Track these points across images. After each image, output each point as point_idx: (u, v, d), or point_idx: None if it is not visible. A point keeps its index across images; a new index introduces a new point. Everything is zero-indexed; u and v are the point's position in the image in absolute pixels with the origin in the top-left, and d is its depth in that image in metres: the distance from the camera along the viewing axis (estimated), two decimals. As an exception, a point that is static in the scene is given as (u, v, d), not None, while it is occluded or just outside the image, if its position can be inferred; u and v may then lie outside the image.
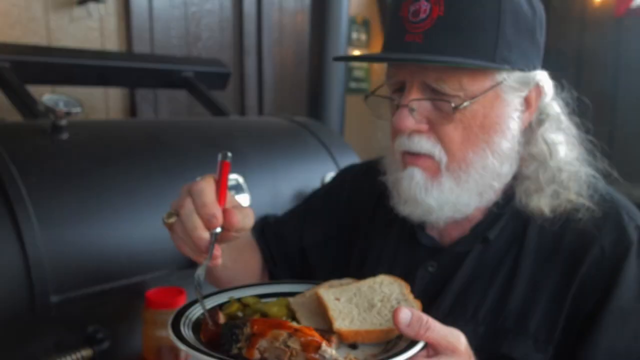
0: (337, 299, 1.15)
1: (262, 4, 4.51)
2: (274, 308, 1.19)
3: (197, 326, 1.12)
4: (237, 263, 1.54)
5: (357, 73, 5.56)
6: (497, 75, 1.24)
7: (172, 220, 1.15)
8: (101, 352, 1.65)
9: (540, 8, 1.30)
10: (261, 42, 4.55)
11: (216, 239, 1.11)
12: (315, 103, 3.18)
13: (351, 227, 1.63)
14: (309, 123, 2.70)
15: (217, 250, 1.12)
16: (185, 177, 1.97)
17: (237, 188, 2.08)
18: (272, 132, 2.50)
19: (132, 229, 1.78)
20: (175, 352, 1.72)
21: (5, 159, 1.64)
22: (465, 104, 1.22)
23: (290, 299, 1.23)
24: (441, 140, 1.26)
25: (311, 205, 1.77)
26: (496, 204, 1.35)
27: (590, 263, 1.23)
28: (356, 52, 5.51)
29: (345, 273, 1.46)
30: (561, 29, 6.20)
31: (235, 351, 1.00)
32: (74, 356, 1.59)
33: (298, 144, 2.47)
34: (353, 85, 5.49)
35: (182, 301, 1.65)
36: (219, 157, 1.19)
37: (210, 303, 1.22)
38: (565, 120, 1.37)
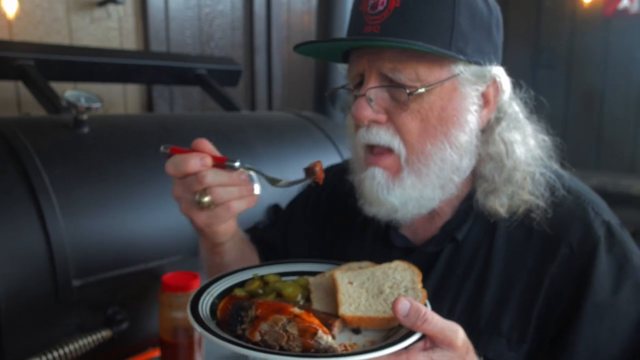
0: (350, 283, 1.14)
1: (272, 5, 4.50)
2: (289, 289, 1.17)
3: (220, 299, 1.13)
4: (241, 252, 1.48)
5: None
6: (453, 67, 1.18)
7: (207, 199, 1.15)
8: (120, 333, 1.65)
9: (496, 9, 1.25)
10: (270, 41, 4.54)
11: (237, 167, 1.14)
12: (321, 98, 3.17)
13: (330, 227, 1.57)
14: (315, 117, 2.68)
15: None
16: (198, 168, 1.97)
17: (248, 178, 2.06)
18: (280, 126, 2.49)
19: (150, 216, 1.78)
20: (190, 332, 1.72)
21: (30, 151, 1.63)
22: (421, 90, 1.15)
23: (310, 279, 1.21)
24: (399, 131, 1.19)
25: (293, 210, 1.69)
26: (463, 202, 1.30)
27: (559, 262, 1.18)
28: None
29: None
30: (553, 28, 6.18)
31: (239, 332, 1.00)
32: (94, 337, 1.59)
33: (305, 136, 2.46)
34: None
35: (197, 285, 1.64)
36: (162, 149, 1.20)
37: (236, 279, 1.22)
38: (522, 120, 1.29)
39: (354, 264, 1.25)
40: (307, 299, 1.16)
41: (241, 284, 1.21)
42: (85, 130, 1.83)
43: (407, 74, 1.15)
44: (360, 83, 1.24)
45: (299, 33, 4.76)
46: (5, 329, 1.47)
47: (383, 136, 1.20)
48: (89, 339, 1.58)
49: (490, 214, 1.24)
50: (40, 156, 1.64)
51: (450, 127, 1.20)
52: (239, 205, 1.19)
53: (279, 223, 1.67)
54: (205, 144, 1.18)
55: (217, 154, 1.19)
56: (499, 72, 1.24)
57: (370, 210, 1.26)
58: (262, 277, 1.23)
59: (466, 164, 1.24)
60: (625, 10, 5.77)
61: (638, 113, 5.75)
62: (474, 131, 1.24)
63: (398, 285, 1.13)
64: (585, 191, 1.28)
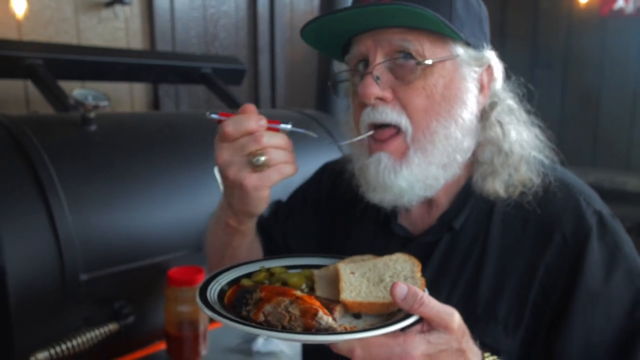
0: (353, 273, 1.14)
1: (275, 6, 4.49)
2: (294, 278, 1.18)
3: (228, 287, 1.14)
4: (251, 252, 1.49)
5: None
6: (453, 47, 1.20)
7: (263, 159, 1.13)
8: (127, 326, 1.65)
9: (484, 6, 1.29)
10: (274, 41, 4.53)
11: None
12: (322, 96, 3.17)
13: (330, 221, 1.56)
14: (317, 115, 2.68)
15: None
16: (203, 165, 1.97)
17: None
18: (283, 123, 2.48)
19: (155, 212, 1.78)
20: (195, 325, 1.72)
21: (39, 148, 1.63)
22: (428, 61, 1.16)
23: (315, 271, 1.21)
24: (405, 108, 1.19)
25: (293, 204, 1.67)
26: (460, 192, 1.31)
27: (553, 251, 1.19)
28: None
29: None
30: (550, 28, 6.17)
31: (244, 313, 1.01)
32: (101, 330, 1.59)
33: (307, 134, 2.45)
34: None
35: (201, 279, 1.64)
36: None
37: (243, 270, 1.23)
38: (515, 107, 1.31)
39: (357, 257, 1.25)
40: (311, 288, 1.16)
41: (248, 275, 1.22)
42: (93, 128, 1.82)
43: (414, 45, 1.16)
44: (361, 65, 1.24)
45: (302, 33, 4.74)
46: (15, 322, 1.47)
47: (390, 113, 1.19)
48: (97, 332, 1.58)
49: (489, 195, 1.25)
50: (48, 153, 1.63)
51: (454, 104, 1.21)
52: (288, 170, 1.18)
53: (280, 218, 1.66)
54: (253, 108, 1.15)
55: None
56: (492, 57, 1.27)
57: (375, 196, 1.25)
58: (268, 269, 1.24)
59: (467, 144, 1.25)
60: (620, 11, 5.76)
61: (633, 112, 5.74)
62: (474, 113, 1.25)
63: (398, 275, 1.14)
64: (577, 183, 1.28)
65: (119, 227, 1.69)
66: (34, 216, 1.52)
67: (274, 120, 1.15)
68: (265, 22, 4.45)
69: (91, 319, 1.61)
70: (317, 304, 0.99)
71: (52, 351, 1.49)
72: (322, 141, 1.37)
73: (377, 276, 1.14)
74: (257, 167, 1.14)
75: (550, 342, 1.17)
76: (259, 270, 1.23)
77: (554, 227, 1.20)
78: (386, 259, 1.18)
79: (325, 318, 0.96)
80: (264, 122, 1.13)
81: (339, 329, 0.98)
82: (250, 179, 1.15)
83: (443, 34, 1.17)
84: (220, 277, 1.18)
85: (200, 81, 3.01)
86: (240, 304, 1.03)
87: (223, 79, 3.01)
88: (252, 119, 1.12)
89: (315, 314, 0.96)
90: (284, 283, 1.17)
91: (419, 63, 1.16)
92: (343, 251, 1.41)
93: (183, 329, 1.66)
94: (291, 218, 1.63)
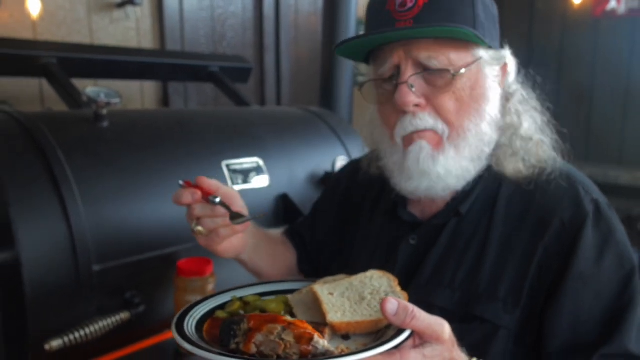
0: (331, 294, 1.11)
1: (280, 7, 4.47)
2: (272, 304, 1.14)
3: (200, 326, 1.07)
4: (271, 257, 1.62)
5: (364, 68, 5.49)
6: (476, 52, 1.27)
7: (199, 228, 1.32)
8: (137, 315, 1.65)
9: (495, 6, 1.35)
10: (279, 40, 4.52)
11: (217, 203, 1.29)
12: (326, 95, 3.15)
13: (347, 215, 1.63)
14: (321, 112, 2.67)
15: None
16: (210, 160, 1.96)
17: (258, 170, 2.06)
18: (288, 120, 2.48)
19: (165, 206, 1.77)
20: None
21: (53, 144, 1.62)
22: (462, 71, 1.23)
23: (289, 296, 1.18)
24: (439, 112, 1.25)
25: (319, 201, 1.78)
26: (468, 183, 1.35)
27: (552, 234, 1.23)
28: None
29: (341, 258, 1.52)
30: (545, 28, 6.15)
31: (233, 346, 0.94)
32: (113, 319, 1.58)
33: (311, 130, 2.45)
34: (360, 79, 5.41)
35: (210, 270, 1.64)
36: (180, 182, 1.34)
37: (215, 302, 1.18)
38: (526, 95, 1.38)
39: (329, 278, 1.23)
40: (291, 314, 1.12)
41: (221, 307, 1.17)
42: (105, 124, 1.82)
43: (440, 60, 1.22)
44: (389, 78, 1.29)
45: (306, 34, 4.73)
46: (30, 311, 1.47)
47: (428, 119, 1.26)
48: (109, 320, 1.57)
49: (510, 174, 1.31)
50: (62, 149, 1.63)
51: (481, 102, 1.28)
52: (225, 232, 1.33)
53: (308, 218, 1.78)
54: (204, 181, 1.31)
55: (218, 188, 1.33)
56: (507, 54, 1.35)
57: (410, 185, 1.31)
58: (241, 299, 1.20)
59: (493, 136, 1.32)
60: (613, 12, 5.73)
61: (625, 109, 5.73)
62: (497, 106, 1.33)
63: (378, 291, 1.12)
64: (577, 174, 1.34)
65: (131, 219, 1.69)
66: (49, 209, 1.52)
67: (208, 192, 1.30)
68: (271, 22, 4.44)
69: (103, 308, 1.60)
70: (309, 327, 0.93)
71: (66, 339, 1.49)
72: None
73: (357, 295, 1.12)
74: (197, 233, 1.33)
75: (542, 317, 1.21)
76: (232, 301, 1.18)
77: (553, 213, 1.24)
78: (361, 276, 1.17)
79: (322, 342, 0.91)
80: (197, 195, 1.28)
81: (336, 352, 0.92)
82: (200, 241, 1.36)
83: (469, 41, 1.24)
84: (193, 311, 1.11)
85: (208, 79, 3.00)
86: (227, 336, 0.96)
87: (230, 77, 3.00)
88: (185, 195, 1.28)
89: (311, 338, 0.90)
90: (262, 311, 1.11)
91: (454, 75, 1.23)
92: (355, 235, 1.53)
93: (192, 317, 1.66)
94: (318, 217, 1.74)
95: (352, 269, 1.25)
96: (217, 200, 1.28)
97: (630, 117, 5.71)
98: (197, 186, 1.31)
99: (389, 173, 1.37)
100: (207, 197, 1.28)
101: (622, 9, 5.69)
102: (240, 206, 1.36)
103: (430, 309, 1.12)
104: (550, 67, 6.03)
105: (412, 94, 1.23)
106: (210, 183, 1.32)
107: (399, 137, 1.30)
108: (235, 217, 1.30)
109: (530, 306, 1.22)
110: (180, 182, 1.33)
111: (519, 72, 1.39)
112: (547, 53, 6.08)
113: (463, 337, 1.04)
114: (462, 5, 1.22)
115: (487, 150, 1.32)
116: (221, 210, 1.30)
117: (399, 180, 1.33)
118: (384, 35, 1.24)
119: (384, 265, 1.33)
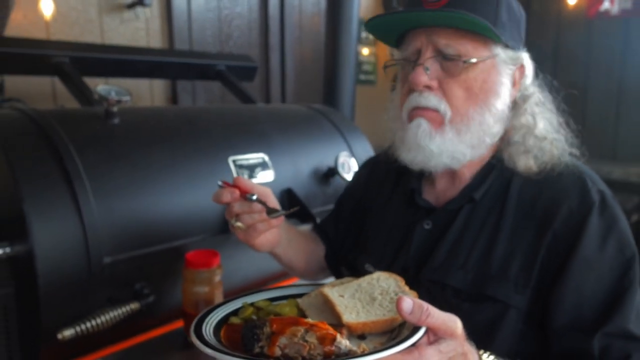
0: (342, 296, 1.11)
1: (285, 8, 4.46)
2: (286, 308, 1.14)
3: (218, 330, 1.06)
4: (304, 252, 1.71)
5: (366, 67, 5.50)
6: (493, 48, 1.31)
7: (239, 223, 1.40)
8: (147, 305, 1.64)
9: (523, 12, 1.41)
10: (284, 40, 4.50)
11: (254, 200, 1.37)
12: (329, 93, 3.15)
13: (366, 207, 1.67)
14: (324, 110, 2.66)
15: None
16: (218, 155, 1.95)
17: (263, 165, 2.05)
18: (293, 118, 2.46)
19: (174, 200, 1.76)
20: (210, 305, 1.70)
21: (65, 140, 1.62)
22: (473, 60, 1.28)
23: (299, 300, 1.17)
24: (447, 97, 1.30)
25: (341, 197, 1.84)
26: (482, 170, 1.40)
27: (560, 221, 1.26)
28: (365, 50, 5.45)
29: (360, 244, 1.55)
30: (540, 28, 6.13)
31: (257, 350, 0.93)
32: (123, 309, 1.58)
33: (315, 127, 2.43)
34: (362, 77, 5.42)
35: (217, 262, 1.63)
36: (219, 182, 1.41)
37: (226, 309, 1.16)
38: (542, 98, 1.43)
39: (336, 281, 1.22)
40: (304, 317, 1.10)
41: (233, 313, 1.16)
42: (116, 121, 1.81)
43: (456, 48, 1.29)
44: (416, 58, 1.34)
45: (310, 34, 4.72)
46: (43, 302, 1.46)
47: (432, 99, 1.31)
48: (119, 311, 1.57)
49: (521, 171, 1.35)
50: (74, 144, 1.62)
51: (490, 96, 1.32)
52: (262, 226, 1.41)
53: (332, 214, 1.84)
54: (241, 180, 1.38)
55: (254, 186, 1.40)
56: (526, 58, 1.40)
57: (408, 156, 1.37)
58: (252, 304, 1.18)
59: (497, 129, 1.36)
60: (606, 12, 5.72)
61: (618, 106, 5.72)
62: (506, 104, 1.36)
63: (387, 291, 1.12)
64: (584, 168, 1.40)
65: (141, 213, 1.68)
66: (61, 203, 1.51)
67: (245, 190, 1.37)
68: (275, 22, 4.43)
69: (114, 298, 1.60)
70: (331, 329, 0.93)
71: (78, 329, 1.49)
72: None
73: (367, 295, 1.11)
74: (237, 228, 1.40)
75: (549, 296, 1.24)
76: (244, 307, 1.17)
77: (562, 201, 1.29)
78: (367, 278, 1.17)
79: (344, 342, 0.90)
80: (235, 194, 1.36)
81: (359, 351, 0.91)
82: (238, 235, 1.45)
83: (487, 36, 1.29)
84: (207, 319, 1.10)
85: (215, 78, 2.99)
86: (250, 341, 0.94)
87: (237, 75, 2.99)
88: (224, 194, 1.36)
89: (334, 339, 0.90)
90: (276, 315, 1.10)
91: (465, 62, 1.28)
92: (373, 221, 1.59)
93: (199, 308, 1.64)
94: (340, 212, 1.79)
95: (369, 255, 1.34)
96: (254, 197, 1.35)
97: (623, 115, 5.71)
98: (234, 185, 1.37)
99: (395, 148, 1.42)
100: (244, 195, 1.36)
101: (615, 9, 5.67)
102: (274, 203, 1.43)
103: (444, 289, 1.19)
104: (545, 66, 6.01)
105: (425, 75, 1.29)
106: (247, 182, 1.38)
107: (405, 112, 1.36)
108: (271, 211, 1.37)
109: (538, 287, 1.25)
110: (219, 183, 1.39)
111: (537, 76, 1.44)
112: (542, 53, 6.06)
113: (475, 316, 1.08)
114: (486, 3, 1.28)
115: (489, 140, 1.36)
116: (258, 206, 1.37)
117: (401, 152, 1.39)
118: (408, 15, 1.31)
119: (398, 249, 1.41)
